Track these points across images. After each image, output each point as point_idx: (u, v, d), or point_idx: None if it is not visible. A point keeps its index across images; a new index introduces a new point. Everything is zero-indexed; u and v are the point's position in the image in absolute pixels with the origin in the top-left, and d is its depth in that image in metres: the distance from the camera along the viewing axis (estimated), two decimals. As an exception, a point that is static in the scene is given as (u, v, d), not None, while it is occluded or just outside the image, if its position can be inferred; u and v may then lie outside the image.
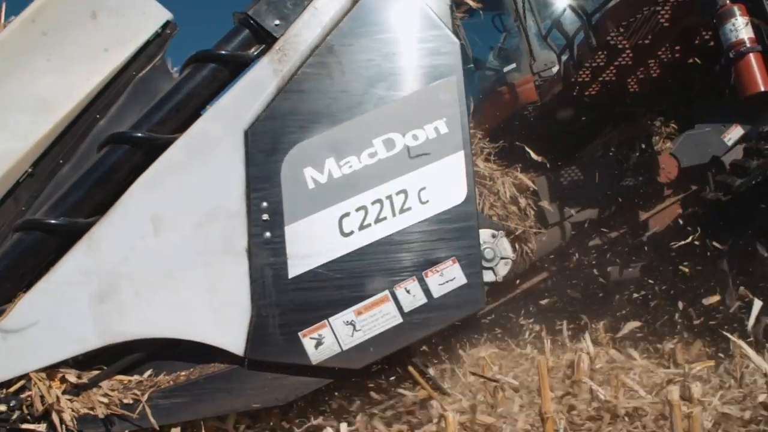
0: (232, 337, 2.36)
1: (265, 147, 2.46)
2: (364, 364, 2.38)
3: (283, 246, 2.40)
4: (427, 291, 2.41)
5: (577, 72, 5.21)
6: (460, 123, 2.52)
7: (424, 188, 2.47)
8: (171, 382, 2.39)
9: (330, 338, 2.36)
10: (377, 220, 2.43)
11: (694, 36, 4.83)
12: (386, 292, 2.39)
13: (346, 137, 2.48)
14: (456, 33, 2.73)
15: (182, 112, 2.51)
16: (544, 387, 2.40)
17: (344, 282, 2.40)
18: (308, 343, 2.36)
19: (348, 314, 2.37)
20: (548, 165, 5.94)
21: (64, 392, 2.31)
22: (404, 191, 2.45)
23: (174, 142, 2.46)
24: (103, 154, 2.46)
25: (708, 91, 5.35)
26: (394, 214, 2.44)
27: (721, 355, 3.61)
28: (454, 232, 2.45)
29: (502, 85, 6.15)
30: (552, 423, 2.34)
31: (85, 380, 2.35)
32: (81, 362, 2.42)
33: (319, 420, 2.53)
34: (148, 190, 2.43)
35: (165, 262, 2.39)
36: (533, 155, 5.73)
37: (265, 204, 2.42)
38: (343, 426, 2.37)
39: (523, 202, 5.62)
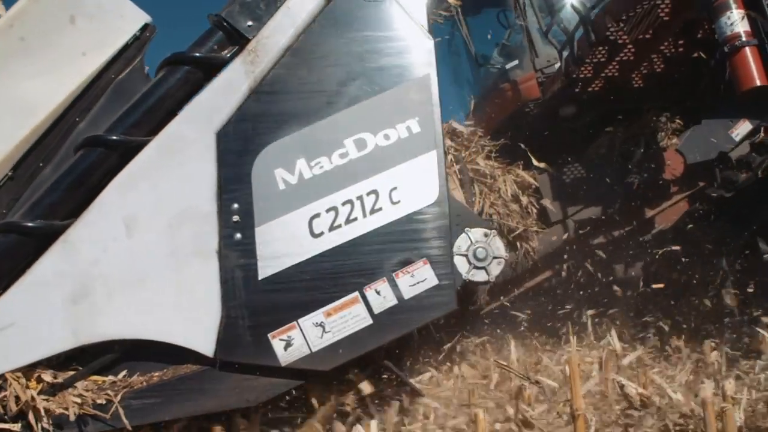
0: (203, 339, 2.37)
1: (237, 148, 2.47)
2: (333, 366, 2.38)
3: (253, 247, 2.40)
4: (397, 292, 2.39)
5: (578, 68, 5.14)
6: (433, 122, 2.49)
7: (395, 188, 2.45)
8: (144, 383, 2.40)
9: (299, 340, 2.36)
10: (348, 221, 2.42)
11: (696, 30, 4.73)
12: (356, 294, 2.38)
13: (317, 138, 2.47)
14: (432, 30, 2.71)
15: (156, 115, 2.53)
16: (575, 384, 2.37)
17: (314, 283, 2.39)
18: (278, 345, 2.36)
19: (317, 316, 2.37)
20: (550, 165, 5.88)
21: (40, 392, 2.34)
22: (375, 192, 2.44)
23: (147, 144, 2.47)
24: (78, 157, 2.49)
25: (715, 86, 5.23)
26: (364, 215, 2.42)
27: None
28: (426, 232, 2.43)
29: (504, 82, 6.09)
30: (583, 420, 2.30)
31: (60, 380, 2.37)
32: (60, 362, 2.45)
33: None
34: (122, 193, 2.46)
35: (137, 264, 2.41)
36: (534, 161, 5.67)
37: (235, 205, 2.43)
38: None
39: (524, 200, 5.57)
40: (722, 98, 5.17)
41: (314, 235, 2.41)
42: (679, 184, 5.57)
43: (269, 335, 2.36)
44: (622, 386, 2.85)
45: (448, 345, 4.09)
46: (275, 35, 2.56)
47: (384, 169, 2.46)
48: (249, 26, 2.58)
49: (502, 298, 5.96)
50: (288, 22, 2.58)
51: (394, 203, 2.44)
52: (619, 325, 4.97)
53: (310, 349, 2.36)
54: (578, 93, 5.38)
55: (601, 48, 5.03)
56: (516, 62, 6.07)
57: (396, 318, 2.38)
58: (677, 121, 5.68)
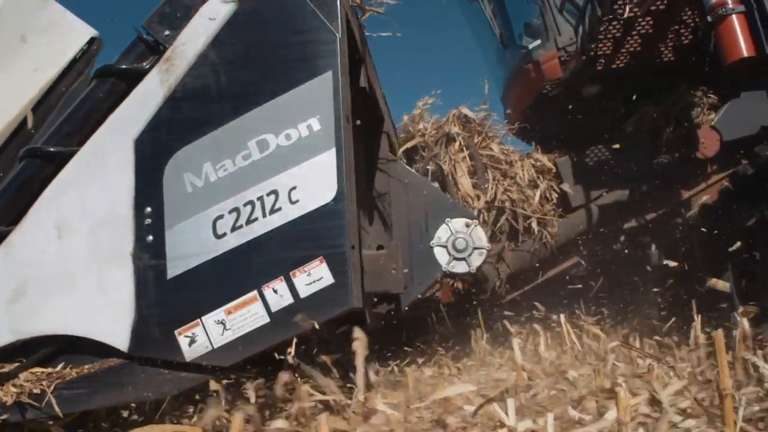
0: (119, 335, 2.53)
1: (151, 154, 2.60)
2: (233, 362, 2.45)
3: (163, 249, 2.53)
4: (294, 291, 2.42)
5: (593, 45, 4.86)
6: (334, 119, 2.49)
7: (294, 188, 2.48)
8: (75, 375, 2.60)
9: (202, 336, 2.46)
10: (249, 222, 2.48)
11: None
12: (255, 293, 2.44)
13: (223, 141, 2.55)
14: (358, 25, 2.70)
15: (86, 125, 2.71)
16: (722, 362, 2.34)
17: (217, 282, 2.48)
18: (183, 341, 2.47)
19: (219, 314, 2.45)
20: (570, 148, 5.62)
21: (-14, 382, 2.60)
22: (275, 192, 2.48)
23: (76, 153, 2.66)
24: (20, 168, 2.72)
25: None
26: (264, 215, 2.47)
27: None
28: (322, 231, 2.44)
29: (528, 62, 5.86)
30: (731, 400, 2.26)
31: (7, 371, 2.63)
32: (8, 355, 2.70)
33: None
34: (54, 199, 2.66)
35: (66, 265, 2.61)
36: (539, 156, 5.46)
37: (148, 209, 2.56)
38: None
39: (542, 185, 5.37)
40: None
41: (218, 236, 2.49)
42: (714, 163, 5.16)
43: (176, 332, 2.48)
44: (756, 367, 2.79)
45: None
46: (189, 43, 2.66)
47: (285, 169, 2.49)
48: (167, 35, 2.70)
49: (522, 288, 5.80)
50: (201, 29, 2.66)
51: (293, 203, 2.47)
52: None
53: (211, 345, 2.46)
54: (601, 71, 5.09)
55: (615, 23, 4.74)
56: (539, 41, 5.83)
57: (292, 316, 2.42)
58: (712, 95, 5.25)
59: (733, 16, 3.39)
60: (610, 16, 4.43)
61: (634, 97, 5.23)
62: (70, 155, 2.69)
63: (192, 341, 2.47)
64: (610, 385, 2.88)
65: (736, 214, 4.40)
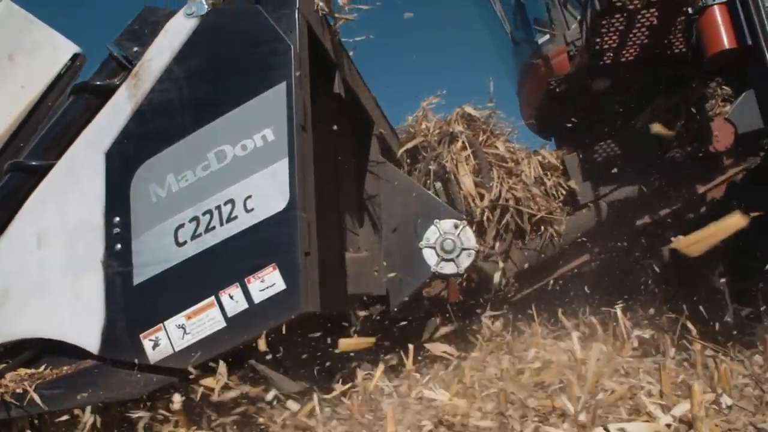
0: (91, 338, 2.67)
1: (120, 166, 2.73)
2: (192, 364, 2.56)
3: (130, 256, 2.65)
4: (248, 296, 2.51)
5: (596, 39, 4.78)
6: (287, 130, 2.56)
7: (249, 197, 2.56)
8: (54, 375, 2.76)
9: (165, 340, 2.57)
10: (207, 230, 2.58)
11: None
12: (212, 298, 2.54)
13: (185, 152, 2.65)
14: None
15: (62, 140, 2.86)
16: None
17: (178, 288, 2.59)
18: (147, 344, 2.59)
19: (180, 318, 2.56)
20: (578, 144, 5.54)
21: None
22: (232, 201, 2.57)
23: (54, 166, 2.82)
24: (5, 181, 2.90)
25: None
26: (221, 224, 2.57)
27: None
28: (275, 239, 2.51)
29: (538, 58, 5.80)
30: None
31: (-6, 371, 2.81)
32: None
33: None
34: (34, 210, 2.83)
35: (45, 273, 2.77)
36: (546, 153, 5.40)
37: (117, 219, 2.69)
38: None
39: (549, 182, 5.31)
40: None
41: (179, 244, 2.60)
42: (730, 156, 5.00)
43: (140, 336, 2.60)
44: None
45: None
46: (155, 58, 2.77)
47: (241, 178, 2.57)
48: (135, 51, 2.82)
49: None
50: (166, 45, 2.77)
51: (248, 211, 2.55)
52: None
53: (173, 348, 2.57)
54: (610, 64, 4.99)
55: (618, 15, 4.64)
56: (547, 36, 5.75)
57: (247, 321, 2.50)
58: (726, 87, 5.08)
59: (715, 7, 3.30)
60: (610, 9, 4.34)
61: (647, 90, 5.11)
62: (50, 168, 2.84)
63: (155, 345, 2.59)
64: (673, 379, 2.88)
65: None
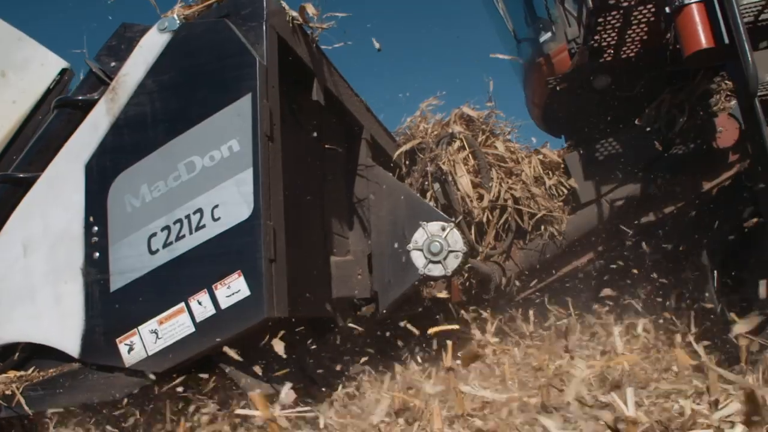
0: (71, 342, 2.80)
1: (98, 178, 2.84)
2: (164, 369, 2.66)
3: (107, 264, 2.77)
4: (215, 302, 2.60)
5: (594, 36, 4.75)
6: (251, 140, 2.64)
7: (217, 206, 2.65)
8: (41, 378, 2.90)
9: (139, 345, 2.68)
10: (177, 238, 2.67)
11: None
12: (182, 304, 2.63)
13: (157, 164, 2.75)
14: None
15: (47, 153, 2.99)
16: None
17: (151, 295, 2.69)
18: (123, 349, 2.70)
19: (152, 324, 2.67)
20: (582, 142, 5.51)
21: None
22: (200, 210, 2.66)
23: (39, 178, 2.95)
24: (-5, 193, 3.04)
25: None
26: (191, 232, 2.66)
27: None
28: (240, 246, 2.59)
29: (540, 56, 5.77)
30: None
31: (-14, 374, 2.96)
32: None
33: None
34: (21, 220, 2.97)
35: (30, 280, 2.90)
36: (547, 152, 5.39)
37: (96, 228, 2.81)
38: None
39: (549, 181, 5.31)
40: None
41: (152, 252, 2.70)
42: (736, 152, 4.94)
43: (117, 340, 2.71)
44: None
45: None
46: (130, 72, 2.88)
47: (209, 188, 2.66)
48: (113, 67, 2.94)
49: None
50: (141, 60, 2.88)
51: (215, 220, 2.64)
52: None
53: (146, 353, 2.67)
54: (611, 61, 4.96)
55: (615, 12, 4.62)
56: (549, 34, 5.72)
57: (214, 326, 2.59)
58: (729, 81, 5.01)
59: (693, 6, 3.26)
60: (603, 7, 4.31)
61: (652, 86, 5.06)
62: (35, 180, 2.97)
63: (130, 349, 2.69)
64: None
65: (735, 210, 4.23)
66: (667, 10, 3.25)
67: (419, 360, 4.55)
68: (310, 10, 3.06)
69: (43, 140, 3.01)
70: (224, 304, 2.59)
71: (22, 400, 2.84)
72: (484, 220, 5.21)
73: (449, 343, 3.66)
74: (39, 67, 3.28)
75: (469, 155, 5.36)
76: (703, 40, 3.17)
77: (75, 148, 2.92)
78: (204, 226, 2.64)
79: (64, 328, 2.82)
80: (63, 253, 2.86)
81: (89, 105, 2.95)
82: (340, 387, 3.64)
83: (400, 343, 4.64)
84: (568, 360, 3.93)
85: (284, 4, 3.08)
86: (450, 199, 5.25)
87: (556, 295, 5.76)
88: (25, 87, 3.26)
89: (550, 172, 5.57)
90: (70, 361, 2.89)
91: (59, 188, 2.92)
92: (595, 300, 5.44)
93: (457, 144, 5.38)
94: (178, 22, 2.84)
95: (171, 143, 2.74)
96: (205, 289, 2.61)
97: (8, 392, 2.88)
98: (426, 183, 5.39)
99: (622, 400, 2.25)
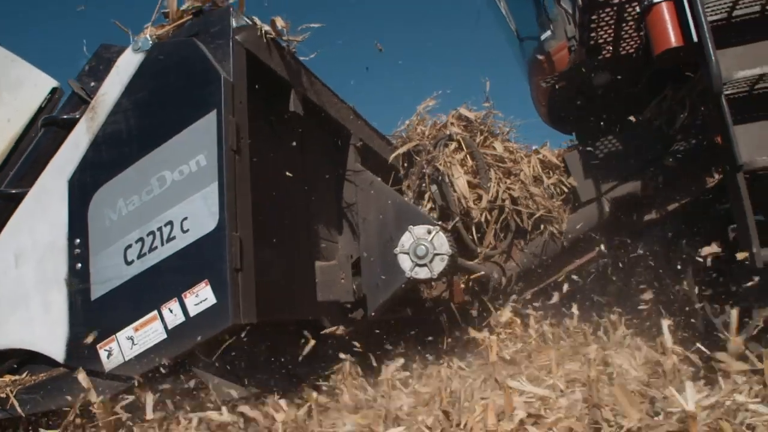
0: (57, 348, 2.97)
1: (80, 193, 3.01)
2: (140, 373, 2.80)
3: (88, 274, 2.93)
4: (185, 310, 2.73)
5: (588, 33, 4.74)
6: (217, 155, 2.76)
7: (186, 218, 2.78)
8: (33, 381, 3.08)
9: (117, 350, 2.84)
10: (150, 249, 2.82)
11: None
12: (155, 312, 2.77)
13: (132, 179, 2.90)
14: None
15: (35, 169, 3.17)
16: None
17: (127, 303, 2.84)
18: (102, 354, 2.86)
19: (129, 331, 2.82)
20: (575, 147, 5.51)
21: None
22: (171, 222, 2.80)
23: (28, 194, 3.13)
24: (-10, 207, 3.24)
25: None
26: (162, 243, 2.80)
27: None
28: (207, 257, 2.72)
29: (541, 54, 5.78)
30: None
31: (-16, 378, 3.16)
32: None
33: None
34: (13, 233, 3.16)
35: (20, 290, 3.09)
36: (546, 151, 5.39)
37: (78, 241, 2.97)
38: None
39: (548, 181, 5.32)
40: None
41: (127, 263, 2.85)
42: None
43: (97, 346, 2.87)
44: None
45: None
46: (108, 92, 3.04)
47: (179, 201, 2.80)
48: (93, 87, 3.10)
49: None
50: (117, 80, 3.03)
51: (184, 232, 2.77)
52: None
53: (123, 358, 2.83)
54: (609, 58, 4.94)
55: (608, 9, 4.61)
56: (549, 32, 5.72)
57: (185, 333, 2.72)
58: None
59: (663, 4, 3.25)
60: (593, 4, 4.31)
61: (654, 82, 5.02)
62: (25, 195, 3.16)
63: (109, 354, 2.85)
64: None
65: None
66: (637, 8, 3.25)
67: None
68: (279, 23, 3.16)
69: (32, 157, 3.19)
70: (193, 311, 2.71)
71: (16, 403, 3.02)
72: (483, 220, 5.25)
73: (493, 338, 3.74)
74: (32, 87, 3.47)
75: (467, 156, 5.40)
76: (673, 38, 3.16)
77: (59, 165, 3.09)
78: (174, 237, 2.78)
79: (51, 335, 2.99)
80: (49, 264, 3.04)
81: (72, 123, 3.12)
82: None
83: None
84: (613, 353, 3.93)
85: (255, 19, 3.18)
86: (447, 200, 5.30)
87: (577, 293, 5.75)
88: (19, 106, 3.45)
89: (550, 171, 5.58)
90: (58, 366, 3.06)
91: (46, 203, 3.09)
92: (629, 297, 5.38)
93: (454, 145, 5.42)
94: (150, 42, 2.97)
95: (144, 159, 2.88)
96: (176, 298, 2.74)
97: (2, 395, 3.07)
98: (423, 185, 5.45)
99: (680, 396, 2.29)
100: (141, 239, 2.84)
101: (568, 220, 5.45)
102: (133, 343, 2.81)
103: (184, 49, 2.90)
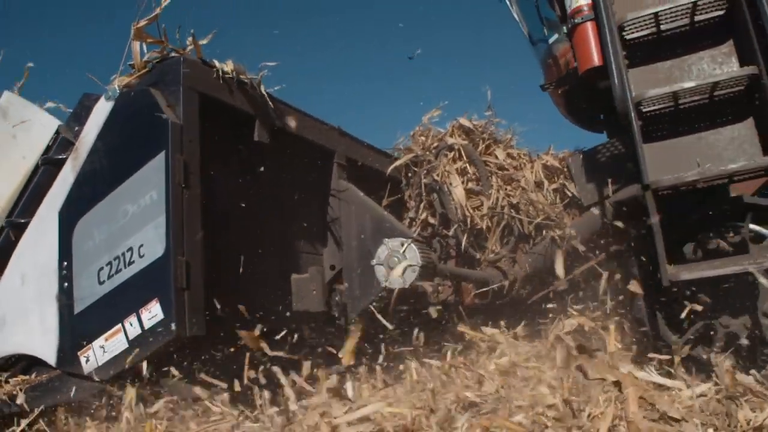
0: (51, 354, 3.52)
1: (67, 222, 3.54)
2: (109, 377, 3.29)
3: (72, 292, 3.45)
4: (141, 324, 3.19)
5: None
6: (165, 190, 3.19)
7: (142, 245, 3.23)
8: (37, 381, 3.66)
9: (92, 357, 3.34)
10: (117, 271, 3.30)
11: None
12: (120, 325, 3.25)
13: (104, 211, 3.40)
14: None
15: (36, 202, 3.73)
16: None
17: (100, 317, 3.34)
18: (82, 360, 3.38)
19: (101, 340, 3.31)
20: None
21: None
22: (131, 248, 3.26)
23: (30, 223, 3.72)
24: (3, 236, 3.84)
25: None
26: (125, 266, 3.27)
27: None
28: (156, 278, 3.16)
29: (550, 57, 5.87)
30: None
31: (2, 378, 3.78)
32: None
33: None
34: (20, 256, 3.74)
35: (25, 304, 3.67)
36: (548, 157, 5.48)
37: (65, 263, 3.51)
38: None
39: (550, 186, 5.43)
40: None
41: (100, 283, 3.35)
42: None
43: (78, 353, 3.39)
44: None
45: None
46: (87, 135, 3.55)
47: (137, 231, 3.26)
48: (76, 131, 3.62)
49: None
50: (94, 123, 3.53)
51: (141, 257, 3.22)
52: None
53: (98, 363, 3.33)
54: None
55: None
56: (556, 35, 5.80)
57: (141, 343, 3.18)
58: None
59: (587, 24, 3.37)
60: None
61: None
62: (29, 224, 3.73)
63: (87, 360, 3.36)
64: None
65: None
66: (564, 29, 3.39)
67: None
68: (229, 66, 3.54)
69: (34, 191, 3.75)
70: (147, 325, 3.17)
71: (23, 399, 3.60)
72: (485, 227, 5.43)
73: (611, 327, 3.79)
74: (40, 128, 4.04)
75: (466, 165, 5.59)
76: (596, 58, 3.29)
77: (52, 198, 3.64)
78: (133, 261, 3.24)
79: (45, 343, 3.55)
80: (45, 283, 3.59)
81: (62, 162, 3.65)
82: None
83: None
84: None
85: (215, 62, 3.59)
86: (446, 208, 5.52)
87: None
88: (30, 144, 4.03)
89: (554, 177, 5.67)
90: (55, 369, 3.61)
91: (43, 231, 3.64)
92: None
93: (452, 155, 5.62)
94: (118, 91, 3.44)
95: (113, 194, 3.36)
96: (135, 313, 3.21)
97: (15, 393, 3.66)
98: (422, 195, 5.70)
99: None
100: (110, 263, 3.32)
101: (572, 225, 5.52)
102: (104, 351, 3.30)
103: (141, 98, 3.34)
